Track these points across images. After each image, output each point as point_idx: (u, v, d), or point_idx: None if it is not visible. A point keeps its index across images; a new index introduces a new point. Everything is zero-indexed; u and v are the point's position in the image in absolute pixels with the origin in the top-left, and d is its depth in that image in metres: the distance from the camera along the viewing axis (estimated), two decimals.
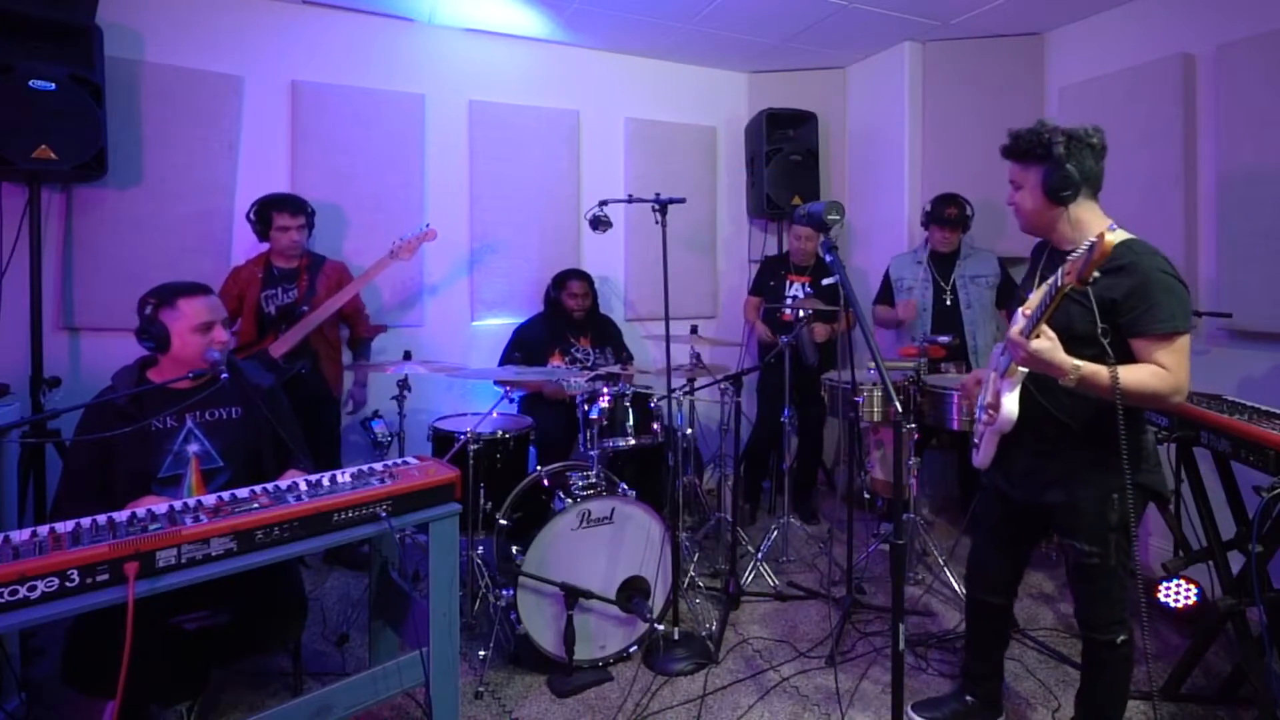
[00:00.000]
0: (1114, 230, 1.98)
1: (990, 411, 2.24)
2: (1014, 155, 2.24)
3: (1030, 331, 1.99)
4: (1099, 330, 1.99)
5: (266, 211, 3.74)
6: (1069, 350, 1.98)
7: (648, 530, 3.15)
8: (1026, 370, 2.10)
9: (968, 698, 2.67)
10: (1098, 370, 1.96)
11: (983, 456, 2.36)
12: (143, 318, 2.43)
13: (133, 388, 2.42)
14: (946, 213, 4.18)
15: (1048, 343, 1.97)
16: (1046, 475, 2.26)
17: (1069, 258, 1.84)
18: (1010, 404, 2.16)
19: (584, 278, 4.55)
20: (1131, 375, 1.96)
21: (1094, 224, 2.13)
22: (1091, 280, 1.83)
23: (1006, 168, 2.29)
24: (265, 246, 3.85)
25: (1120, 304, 2.03)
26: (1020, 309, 2.07)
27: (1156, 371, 1.99)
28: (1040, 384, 2.17)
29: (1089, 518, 2.19)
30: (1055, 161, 2.09)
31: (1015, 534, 2.51)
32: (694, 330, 4.23)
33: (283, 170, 4.28)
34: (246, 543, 1.88)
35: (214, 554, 1.83)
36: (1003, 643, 2.69)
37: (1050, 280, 1.90)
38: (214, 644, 2.38)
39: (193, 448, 2.47)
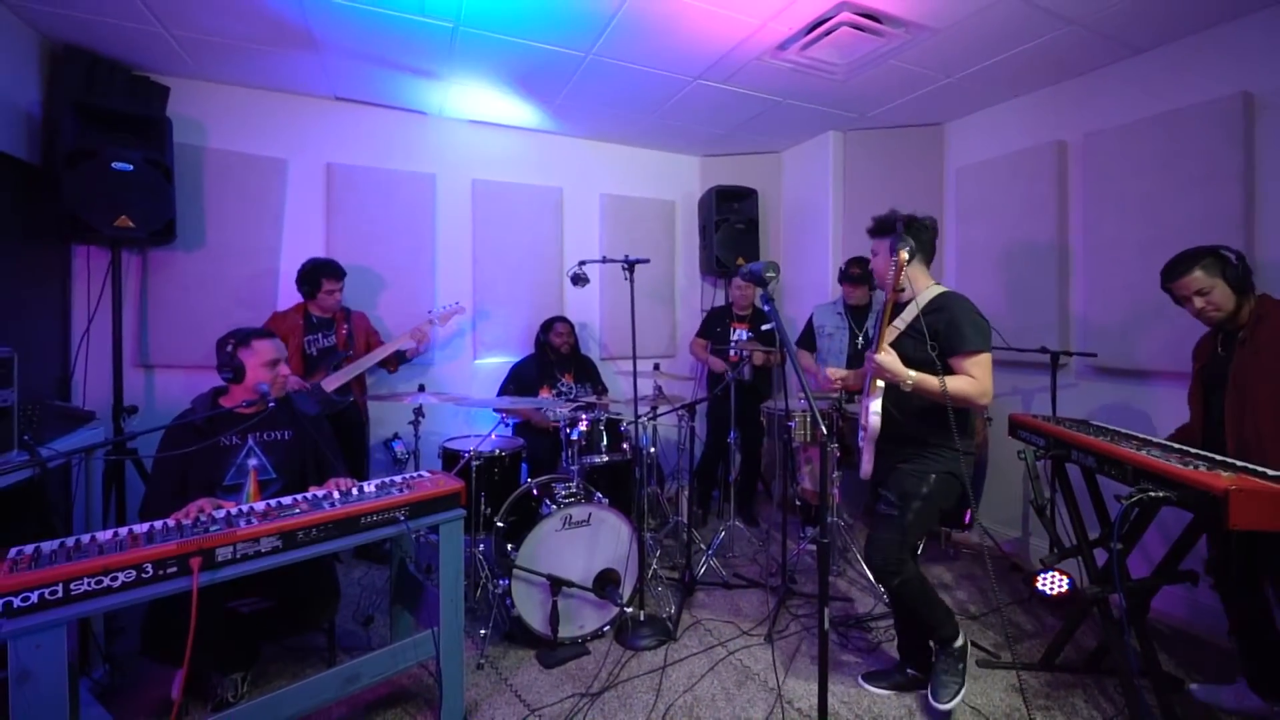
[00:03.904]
0: (933, 281, 2.33)
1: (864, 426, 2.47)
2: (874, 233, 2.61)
3: (875, 349, 2.34)
4: (929, 347, 2.33)
5: (315, 276, 3.80)
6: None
7: (618, 531, 3.19)
8: (883, 384, 2.40)
9: (909, 670, 2.73)
10: (926, 377, 2.30)
11: (865, 467, 2.54)
12: (223, 354, 2.49)
13: (208, 410, 2.49)
14: (851, 271, 4.17)
15: (888, 356, 2.32)
16: (894, 458, 2.53)
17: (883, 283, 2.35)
18: (874, 415, 2.41)
19: (567, 321, 4.61)
20: (952, 382, 2.30)
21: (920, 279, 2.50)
22: (902, 289, 2.31)
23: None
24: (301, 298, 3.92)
25: (940, 333, 2.36)
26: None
27: (968, 379, 2.32)
28: (896, 404, 2.46)
29: (903, 481, 2.47)
30: (899, 235, 2.38)
31: None
32: (656, 367, 4.31)
33: (319, 237, 4.35)
34: (290, 541, 1.94)
35: (263, 550, 1.90)
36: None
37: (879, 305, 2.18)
38: (263, 624, 2.44)
39: (252, 462, 2.52)
